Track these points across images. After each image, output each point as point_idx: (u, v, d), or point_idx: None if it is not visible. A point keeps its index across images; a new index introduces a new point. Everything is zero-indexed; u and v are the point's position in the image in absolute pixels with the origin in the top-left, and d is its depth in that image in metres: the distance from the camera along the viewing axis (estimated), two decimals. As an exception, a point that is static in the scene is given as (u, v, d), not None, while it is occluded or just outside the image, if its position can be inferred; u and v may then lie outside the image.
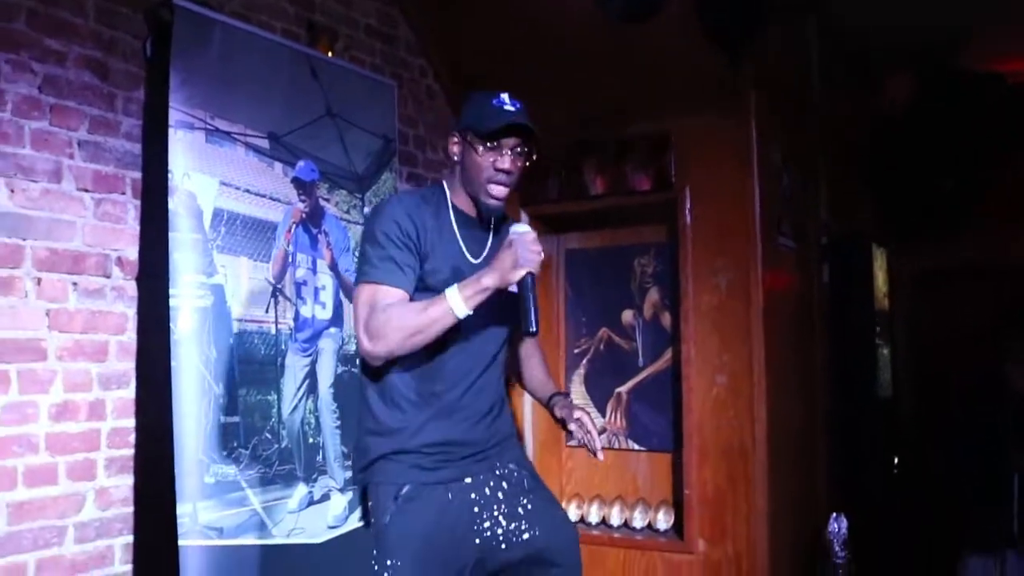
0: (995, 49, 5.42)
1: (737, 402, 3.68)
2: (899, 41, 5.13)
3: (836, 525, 3.65)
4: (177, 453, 2.66)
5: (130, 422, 2.82)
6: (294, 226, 3.16)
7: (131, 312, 2.84)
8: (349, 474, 3.21)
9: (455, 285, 2.08)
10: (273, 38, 3.25)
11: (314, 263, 3.24)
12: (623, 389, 4.14)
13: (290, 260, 3.13)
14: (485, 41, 4.02)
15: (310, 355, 3.17)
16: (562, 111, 4.00)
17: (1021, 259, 5.91)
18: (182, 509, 2.64)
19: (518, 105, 2.24)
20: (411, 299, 2.16)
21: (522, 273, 2.05)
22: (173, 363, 2.69)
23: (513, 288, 2.09)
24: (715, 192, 3.75)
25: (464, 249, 2.28)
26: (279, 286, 3.07)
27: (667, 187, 3.83)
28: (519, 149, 2.23)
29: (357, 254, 2.26)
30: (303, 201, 3.21)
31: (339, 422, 3.22)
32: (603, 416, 4.17)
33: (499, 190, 2.22)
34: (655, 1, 3.22)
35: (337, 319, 3.30)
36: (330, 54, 3.49)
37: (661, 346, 4.06)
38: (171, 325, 2.70)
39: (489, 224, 2.36)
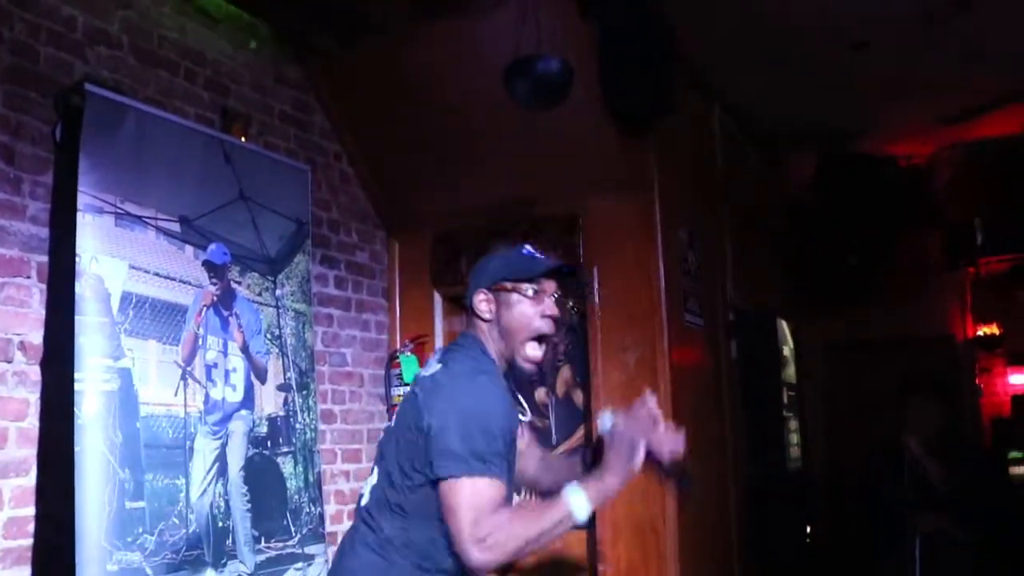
0: (888, 134, 5.75)
1: (647, 477, 3.71)
2: (800, 127, 5.42)
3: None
4: (79, 541, 2.60)
5: (29, 511, 2.74)
6: (205, 309, 3.16)
7: (33, 397, 2.80)
8: (259, 558, 3.17)
9: (575, 486, 1.94)
10: (187, 123, 3.29)
11: (225, 345, 3.23)
12: (538, 466, 4.16)
13: (200, 343, 3.12)
14: (398, 129, 4.12)
15: (220, 438, 3.14)
16: (473, 194, 4.13)
17: (920, 332, 6.18)
18: (83, 600, 2.57)
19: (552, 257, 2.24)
20: None
21: (639, 465, 1.95)
22: (76, 448, 2.64)
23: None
24: (623, 271, 3.87)
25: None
26: (189, 368, 3.06)
27: (578, 266, 3.93)
28: (557, 297, 2.19)
29: (439, 430, 1.98)
30: (214, 284, 3.22)
31: (249, 505, 3.18)
32: (519, 495, 4.18)
33: (537, 353, 2.14)
34: (561, 87, 3.34)
35: (248, 401, 3.29)
36: (244, 139, 3.54)
37: (574, 423, 4.12)
38: (76, 410, 2.67)
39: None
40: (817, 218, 5.76)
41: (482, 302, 2.17)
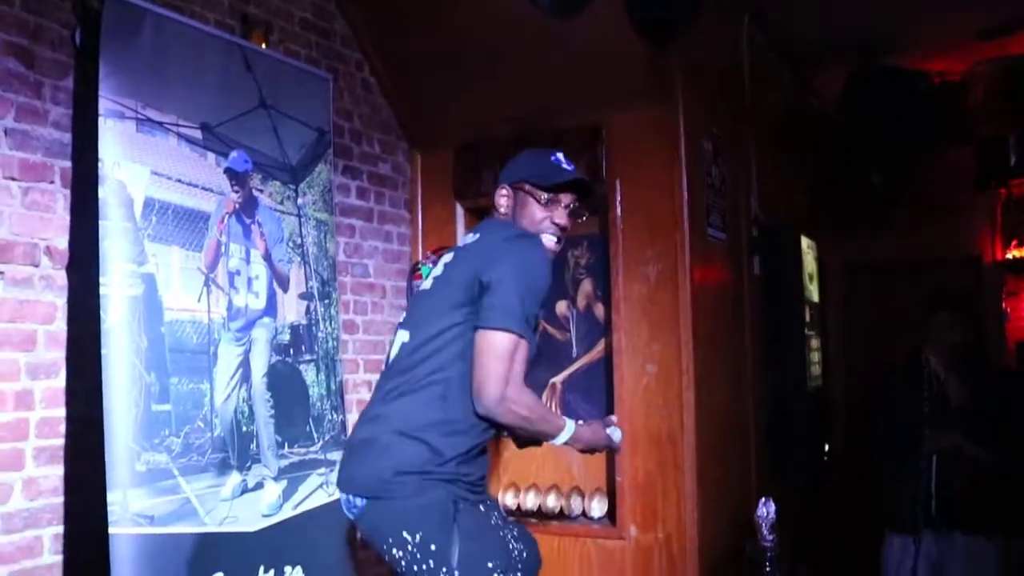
0: (922, 49, 5.60)
1: (666, 391, 3.77)
2: (830, 38, 5.28)
3: (764, 509, 3.74)
4: (107, 442, 2.66)
5: (59, 412, 2.82)
6: (227, 216, 3.17)
7: (60, 301, 2.85)
8: (283, 462, 3.24)
9: (575, 423, 2.29)
10: (206, 29, 3.25)
11: (247, 253, 3.25)
12: (557, 379, 4.21)
13: (223, 250, 3.14)
14: (420, 38, 4.06)
15: (243, 344, 3.18)
16: (496, 105, 4.08)
17: (946, 252, 6.12)
18: (112, 497, 2.64)
19: (573, 166, 2.37)
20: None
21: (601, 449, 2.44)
22: (103, 352, 2.69)
23: None
24: (645, 184, 3.84)
25: None
26: (211, 275, 3.08)
27: (598, 180, 3.90)
28: (572, 207, 2.36)
29: (495, 284, 2.17)
30: (236, 192, 3.22)
31: (273, 411, 3.24)
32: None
33: (553, 244, 2.35)
34: (584, -6, 3.28)
35: (271, 308, 3.32)
36: (264, 46, 3.51)
37: (594, 337, 4.14)
38: (102, 314, 2.71)
39: None
40: (843, 134, 5.66)
41: (502, 197, 2.38)
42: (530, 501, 4.11)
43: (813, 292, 5.22)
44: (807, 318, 5.02)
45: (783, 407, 4.69)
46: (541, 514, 4.09)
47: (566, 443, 2.29)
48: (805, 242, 5.07)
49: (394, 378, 2.28)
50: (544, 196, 2.32)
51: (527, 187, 2.33)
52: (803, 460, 4.79)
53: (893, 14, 4.90)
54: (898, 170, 5.71)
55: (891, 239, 6.18)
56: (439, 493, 2.17)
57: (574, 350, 4.19)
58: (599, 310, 4.12)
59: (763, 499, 3.75)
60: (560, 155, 2.39)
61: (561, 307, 4.22)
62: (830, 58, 5.54)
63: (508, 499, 4.17)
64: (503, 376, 2.11)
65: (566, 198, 2.35)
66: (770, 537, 3.71)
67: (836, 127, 5.75)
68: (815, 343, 5.20)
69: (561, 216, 2.34)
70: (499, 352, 2.12)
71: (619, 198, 3.87)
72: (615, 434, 2.43)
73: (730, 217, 4.30)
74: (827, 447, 5.26)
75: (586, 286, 4.16)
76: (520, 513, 4.10)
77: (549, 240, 2.34)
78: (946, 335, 3.97)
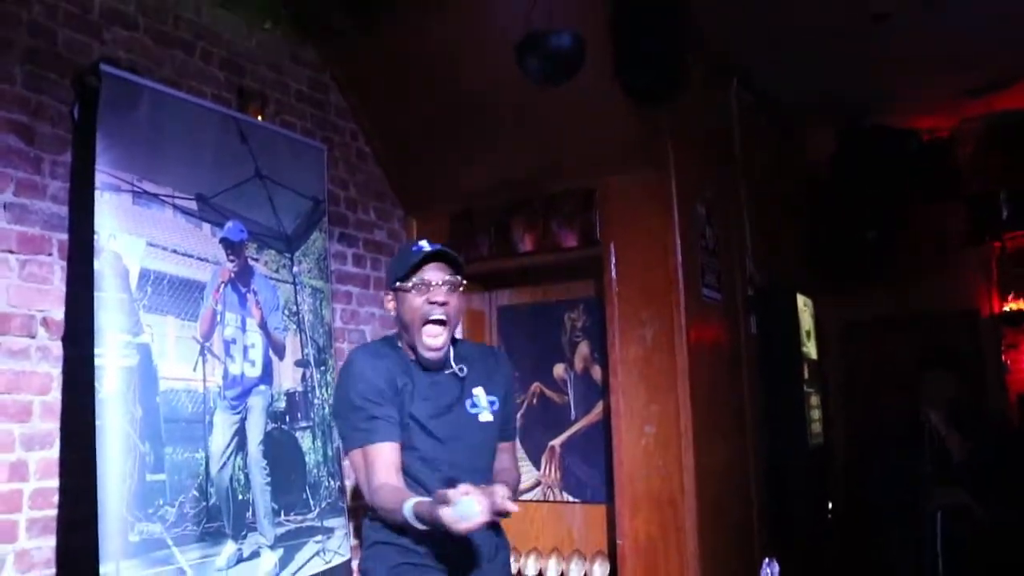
0: (910, 107, 5.69)
1: (666, 452, 3.76)
2: (818, 99, 5.37)
3: (768, 570, 3.70)
4: (101, 512, 2.65)
5: (53, 482, 2.81)
6: (222, 285, 3.20)
7: (56, 372, 2.86)
8: (279, 530, 3.22)
9: (414, 500, 2.12)
10: (202, 103, 3.32)
11: (243, 321, 3.27)
12: (556, 442, 4.20)
13: (218, 319, 3.17)
14: (414, 106, 4.14)
15: (239, 412, 3.18)
16: (490, 172, 4.14)
17: (942, 307, 6.13)
18: (105, 569, 2.61)
19: (437, 245, 2.41)
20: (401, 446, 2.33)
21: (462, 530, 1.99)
22: (98, 422, 2.69)
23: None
24: (639, 246, 3.88)
25: (439, 389, 2.41)
26: (207, 344, 3.10)
27: (593, 243, 3.95)
28: (446, 283, 2.36)
29: (331, 413, 2.51)
30: (232, 261, 3.26)
31: (269, 478, 3.23)
32: (537, 469, 4.22)
33: (434, 339, 2.36)
34: (573, 62, 3.34)
35: (267, 376, 3.33)
36: (260, 118, 3.57)
37: (592, 399, 4.14)
38: (96, 384, 2.72)
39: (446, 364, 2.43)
40: (836, 193, 5.72)
41: (388, 303, 2.46)
42: (531, 567, 4.07)
43: (811, 349, 5.22)
44: (806, 375, 5.01)
45: (784, 465, 4.66)
46: (542, 580, 4.05)
47: (425, 526, 2.09)
48: (801, 300, 5.09)
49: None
50: (412, 282, 2.36)
51: (398, 284, 2.39)
52: (805, 519, 4.74)
53: (879, 74, 5.00)
54: (891, 226, 5.76)
55: (887, 295, 6.20)
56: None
57: (572, 413, 4.19)
58: (596, 372, 4.13)
59: (766, 559, 3.71)
60: (422, 242, 2.41)
61: (559, 370, 4.23)
62: (819, 118, 5.63)
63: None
64: (364, 484, 2.33)
65: (435, 275, 2.36)
66: (774, 599, 3.67)
67: (828, 185, 5.82)
68: (815, 400, 5.18)
69: (437, 294, 2.35)
70: (355, 470, 2.39)
71: (613, 261, 3.90)
72: (459, 508, 1.97)
73: (725, 277, 4.33)
74: (830, 505, 5.21)
75: (583, 348, 4.18)
76: (521, 579, 4.06)
77: (431, 336, 2.36)
78: (941, 392, 3.98)
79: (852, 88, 5.19)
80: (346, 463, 2.44)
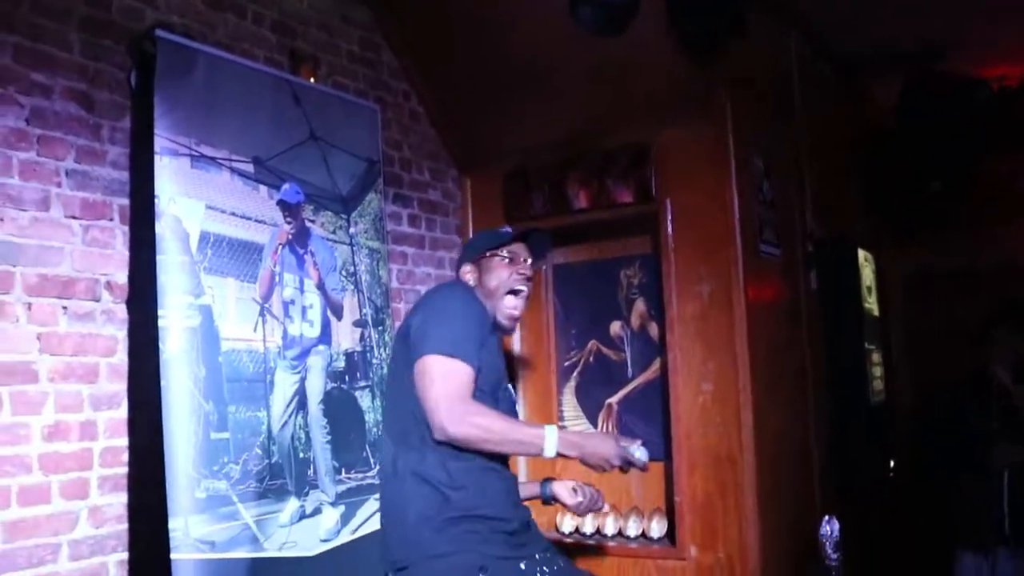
0: (978, 55, 5.49)
1: (723, 409, 3.73)
2: (882, 47, 5.21)
3: (828, 528, 3.67)
4: (168, 469, 2.73)
5: (122, 441, 2.90)
6: (280, 247, 3.24)
7: (121, 334, 2.93)
8: (340, 488, 3.28)
9: (556, 428, 2.21)
10: (255, 66, 3.35)
11: (301, 283, 3.31)
12: (614, 400, 4.19)
13: (277, 280, 3.21)
14: (466, 64, 4.12)
15: (299, 372, 3.24)
16: (543, 128, 4.11)
17: (1007, 260, 5.95)
18: (174, 524, 2.70)
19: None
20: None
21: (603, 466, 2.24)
22: (163, 382, 2.76)
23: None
24: (696, 202, 3.82)
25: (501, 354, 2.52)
26: (266, 305, 3.15)
27: (648, 199, 3.90)
28: (533, 263, 2.59)
29: (418, 326, 2.32)
30: (289, 223, 3.29)
31: (329, 437, 3.29)
32: (595, 427, 4.23)
33: (515, 309, 2.53)
34: (627, 11, 3.28)
35: (325, 337, 3.37)
36: (313, 80, 3.58)
37: (649, 356, 4.11)
38: (160, 346, 2.78)
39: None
40: (900, 144, 5.56)
41: (467, 273, 2.57)
42: (589, 525, 4.09)
43: (873, 305, 5.13)
44: (867, 332, 4.92)
45: (845, 423, 4.60)
46: (601, 536, 4.06)
47: (561, 453, 2.19)
48: (862, 254, 4.99)
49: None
50: (504, 253, 2.55)
51: (488, 254, 2.55)
52: (867, 477, 4.69)
53: (946, 20, 4.81)
54: (957, 178, 5.59)
55: (952, 248, 6.02)
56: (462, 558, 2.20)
57: (629, 370, 4.17)
58: (653, 329, 4.10)
59: (826, 517, 3.68)
60: (507, 227, 2.72)
61: (615, 327, 4.21)
62: (883, 67, 5.45)
63: (566, 523, 4.15)
64: (439, 400, 2.17)
65: (525, 253, 2.58)
66: (834, 556, 3.64)
67: (892, 136, 5.65)
68: (876, 357, 5.09)
69: (525, 268, 2.55)
70: (428, 379, 2.21)
71: (670, 217, 3.85)
72: (637, 451, 2.26)
73: (784, 232, 4.25)
74: (892, 463, 5.14)
75: (639, 306, 4.15)
76: (579, 536, 4.08)
77: (511, 303, 2.52)
78: (1010, 348, 3.88)
79: (917, 35, 5.01)
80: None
